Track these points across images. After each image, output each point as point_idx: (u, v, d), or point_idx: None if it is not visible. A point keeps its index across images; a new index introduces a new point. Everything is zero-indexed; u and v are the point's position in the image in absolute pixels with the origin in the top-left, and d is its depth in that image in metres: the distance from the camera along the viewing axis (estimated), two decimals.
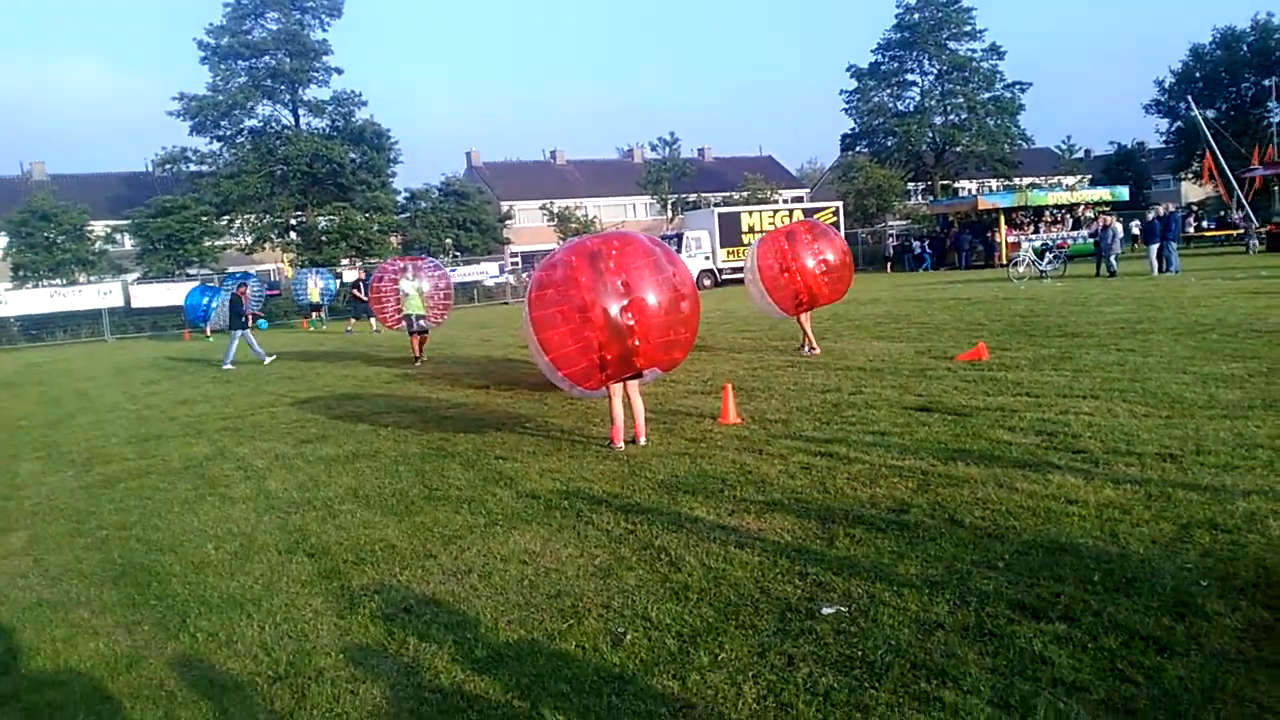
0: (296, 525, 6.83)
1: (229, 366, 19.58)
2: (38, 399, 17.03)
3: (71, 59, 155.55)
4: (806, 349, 14.00)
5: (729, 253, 42.46)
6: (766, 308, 14.19)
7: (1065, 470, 6.48)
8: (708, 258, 42.18)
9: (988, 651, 3.92)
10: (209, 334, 33.67)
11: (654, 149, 65.75)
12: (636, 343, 8.06)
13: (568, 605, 4.82)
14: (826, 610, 4.47)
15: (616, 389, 8.58)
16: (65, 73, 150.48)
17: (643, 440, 8.60)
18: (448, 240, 50.35)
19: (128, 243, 46.05)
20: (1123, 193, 41.42)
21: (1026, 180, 64.19)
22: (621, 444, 8.53)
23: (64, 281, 41.81)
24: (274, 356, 20.20)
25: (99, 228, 45.48)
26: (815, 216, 36.72)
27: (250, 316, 21.34)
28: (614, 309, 7.98)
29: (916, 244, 45.83)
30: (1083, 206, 40.69)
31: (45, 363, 27.25)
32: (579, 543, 5.85)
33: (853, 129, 64.66)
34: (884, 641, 4.08)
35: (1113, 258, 27.30)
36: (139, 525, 7.22)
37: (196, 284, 38.15)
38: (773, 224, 43.00)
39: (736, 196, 60.56)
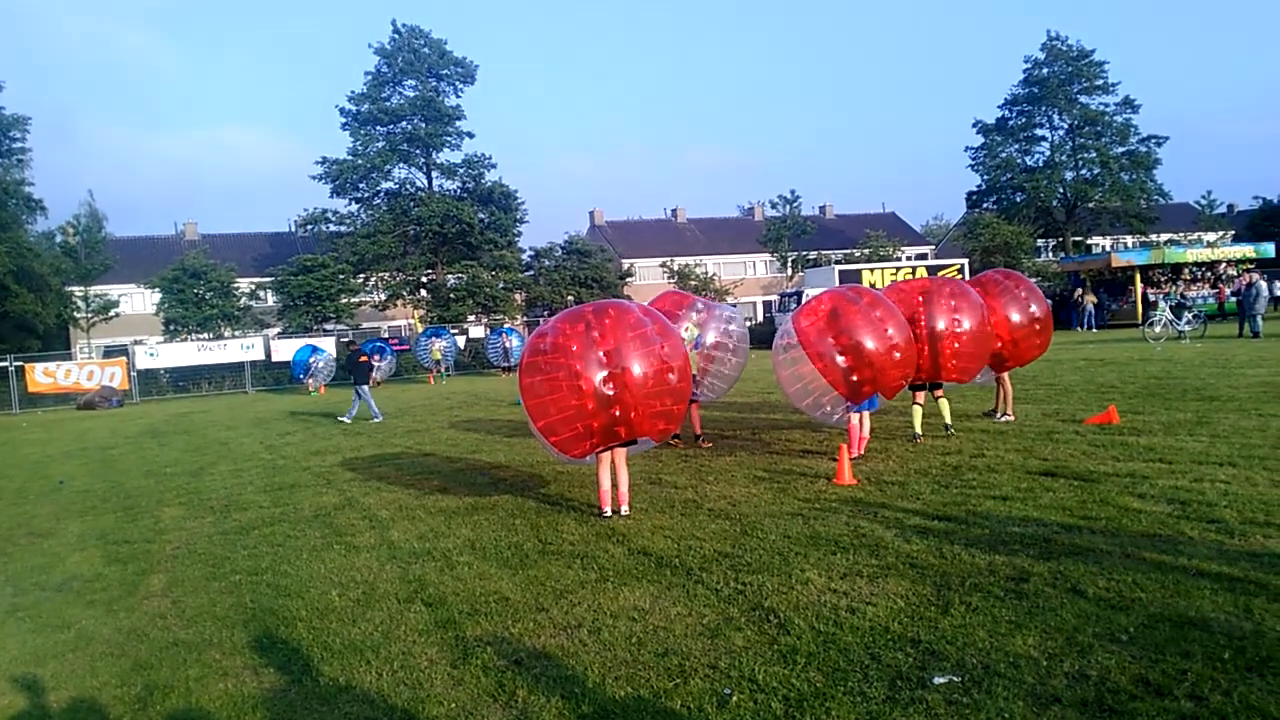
0: (416, 575, 7.04)
1: (346, 420, 20.40)
2: (183, 447, 17.99)
3: (234, 126, 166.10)
4: (1000, 415, 12.76)
5: None
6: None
7: (1198, 541, 6.19)
8: None
9: None
10: (311, 390, 35.10)
11: (774, 206, 65.81)
12: (618, 413, 8.11)
13: (675, 664, 4.84)
14: (938, 680, 4.37)
15: (604, 457, 8.63)
16: (225, 139, 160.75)
17: (625, 510, 8.57)
18: (569, 297, 51.32)
19: (270, 299, 48.74)
20: (1268, 249, 39.26)
21: (1164, 236, 61.86)
22: (609, 510, 8.60)
23: (210, 335, 44.40)
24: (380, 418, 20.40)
25: (244, 284, 48.47)
26: (939, 274, 36.05)
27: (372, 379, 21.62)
28: (598, 379, 8.04)
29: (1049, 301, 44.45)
30: (1225, 264, 38.93)
31: (191, 413, 28.76)
32: (688, 601, 5.86)
33: (979, 185, 63.67)
34: (997, 714, 3.97)
35: (1257, 318, 26.03)
36: (270, 571, 7.56)
37: (330, 340, 39.85)
38: (894, 281, 42.30)
39: (858, 254, 60.07)
